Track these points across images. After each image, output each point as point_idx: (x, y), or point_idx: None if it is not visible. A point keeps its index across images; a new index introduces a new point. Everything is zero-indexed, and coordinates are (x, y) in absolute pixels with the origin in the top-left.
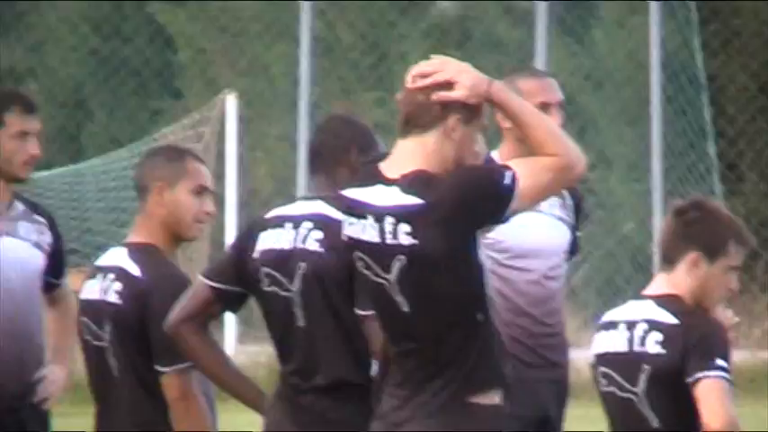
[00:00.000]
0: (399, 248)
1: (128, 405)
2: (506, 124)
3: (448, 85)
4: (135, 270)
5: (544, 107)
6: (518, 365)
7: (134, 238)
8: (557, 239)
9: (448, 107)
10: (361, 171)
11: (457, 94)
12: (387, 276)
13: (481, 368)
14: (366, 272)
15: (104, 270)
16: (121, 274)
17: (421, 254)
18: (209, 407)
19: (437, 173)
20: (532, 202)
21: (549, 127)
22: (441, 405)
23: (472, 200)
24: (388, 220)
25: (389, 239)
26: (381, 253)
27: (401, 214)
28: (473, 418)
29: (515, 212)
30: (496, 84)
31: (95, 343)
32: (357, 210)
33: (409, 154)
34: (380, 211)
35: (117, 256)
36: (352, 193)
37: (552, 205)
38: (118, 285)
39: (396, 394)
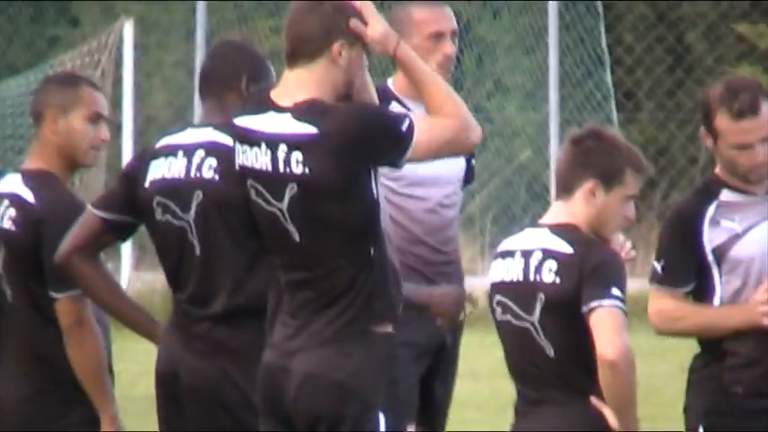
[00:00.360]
0: (291, 177)
1: (22, 332)
2: None
3: (362, 20)
4: (29, 196)
5: (438, 36)
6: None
7: (29, 164)
8: (451, 167)
9: (331, 34)
10: (251, 99)
11: (369, 32)
12: (279, 205)
13: (375, 300)
14: (258, 200)
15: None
16: (16, 200)
17: (312, 183)
18: (102, 335)
19: (330, 101)
20: (423, 158)
21: (448, 91)
22: (334, 333)
23: (369, 137)
24: (281, 148)
25: (282, 167)
26: (273, 181)
27: (294, 142)
28: (366, 345)
29: (408, 161)
30: (403, 44)
31: None
32: (249, 137)
33: (299, 83)
34: (273, 138)
35: (12, 183)
36: (244, 121)
37: None
38: (12, 212)
39: (288, 323)
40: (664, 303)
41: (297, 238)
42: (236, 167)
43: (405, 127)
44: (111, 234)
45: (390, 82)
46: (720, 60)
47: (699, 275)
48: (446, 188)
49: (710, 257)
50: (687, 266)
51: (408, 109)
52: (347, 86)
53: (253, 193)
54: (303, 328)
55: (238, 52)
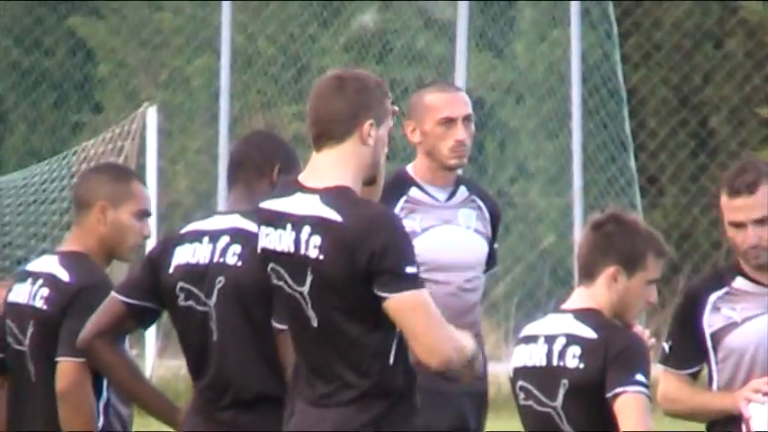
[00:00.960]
0: (308, 260)
1: (44, 409)
2: (415, 139)
3: None
4: (64, 276)
5: (449, 122)
6: (436, 379)
7: (67, 247)
8: (473, 252)
9: (359, 114)
10: (279, 186)
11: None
12: (300, 289)
13: (396, 403)
14: (280, 283)
15: (34, 275)
16: (50, 279)
17: (324, 271)
18: (123, 427)
19: (358, 184)
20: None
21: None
22: (356, 423)
23: (386, 245)
24: (305, 229)
25: (303, 249)
26: (294, 263)
27: (317, 225)
28: None
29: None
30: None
31: (16, 347)
32: (275, 220)
33: (329, 165)
34: (299, 219)
35: (47, 264)
36: (271, 204)
37: (468, 217)
38: (45, 291)
39: (305, 410)
40: (667, 385)
41: (314, 323)
42: (259, 251)
43: (412, 270)
44: (134, 319)
45: (410, 167)
46: (744, 144)
47: (703, 359)
48: (467, 272)
49: (709, 343)
50: (691, 349)
51: (428, 194)
52: (374, 167)
53: (274, 277)
54: (321, 417)
55: (271, 141)
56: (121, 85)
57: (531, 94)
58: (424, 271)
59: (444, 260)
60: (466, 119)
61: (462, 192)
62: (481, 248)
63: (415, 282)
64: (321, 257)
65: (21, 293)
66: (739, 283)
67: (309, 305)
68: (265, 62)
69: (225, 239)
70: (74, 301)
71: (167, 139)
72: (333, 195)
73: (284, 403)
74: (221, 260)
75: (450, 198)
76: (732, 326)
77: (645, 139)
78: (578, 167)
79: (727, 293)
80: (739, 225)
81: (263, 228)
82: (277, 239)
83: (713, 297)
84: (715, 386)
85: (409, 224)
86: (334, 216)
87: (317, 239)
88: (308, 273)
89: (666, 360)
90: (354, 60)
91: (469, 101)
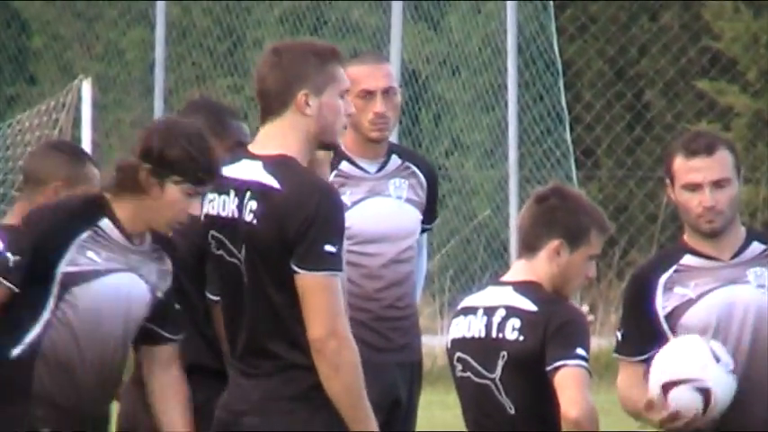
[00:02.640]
0: (244, 225)
1: None
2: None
3: None
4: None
5: (368, 94)
6: (366, 350)
7: (11, 220)
8: (404, 222)
9: (293, 85)
10: (231, 154)
11: None
12: (239, 255)
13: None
14: (219, 252)
15: None
16: None
17: (255, 237)
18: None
19: (304, 154)
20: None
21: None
22: (282, 396)
23: (316, 220)
24: (247, 195)
25: (242, 214)
26: (235, 228)
27: (257, 191)
28: (314, 409)
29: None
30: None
31: None
32: (220, 185)
33: (270, 136)
34: (242, 184)
35: None
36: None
37: (399, 187)
38: None
39: (238, 382)
40: (621, 380)
41: (247, 291)
42: (202, 218)
43: (331, 249)
44: None
45: (341, 140)
46: (679, 117)
47: (657, 344)
48: (400, 243)
49: (664, 325)
50: (642, 335)
51: (358, 166)
52: (324, 134)
53: (214, 246)
54: (253, 387)
55: (187, 112)
56: (56, 58)
57: (467, 66)
58: (356, 243)
59: (375, 232)
60: (386, 91)
61: (395, 160)
62: (413, 218)
63: (329, 262)
64: (255, 223)
65: None
66: (688, 259)
67: (244, 272)
68: (200, 34)
69: None
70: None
71: (102, 112)
72: (275, 163)
73: (219, 374)
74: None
75: (381, 169)
76: (688, 303)
77: (580, 111)
78: (513, 140)
79: (676, 272)
80: (695, 187)
81: (208, 195)
82: (221, 205)
83: (663, 278)
84: None
85: None
86: (272, 183)
87: (253, 204)
88: (243, 238)
89: (620, 349)
90: (289, 32)
91: (393, 72)
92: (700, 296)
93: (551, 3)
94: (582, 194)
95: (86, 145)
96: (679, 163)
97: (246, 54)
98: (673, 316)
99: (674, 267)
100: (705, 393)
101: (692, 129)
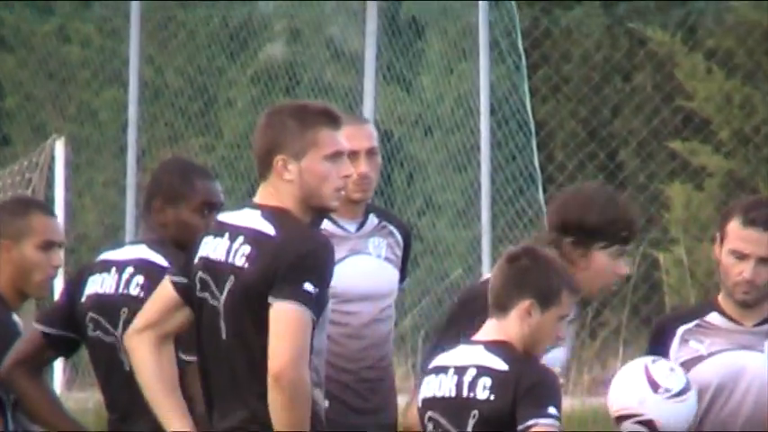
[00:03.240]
0: (233, 269)
1: None
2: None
3: None
4: None
5: (352, 155)
6: (347, 412)
7: None
8: (385, 281)
9: (272, 151)
10: (200, 214)
11: None
12: (220, 297)
13: None
14: (203, 294)
15: None
16: None
17: (244, 279)
18: None
19: (294, 208)
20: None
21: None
22: None
23: (299, 266)
24: (239, 240)
25: (231, 258)
26: (221, 271)
27: (251, 236)
28: None
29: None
30: None
31: None
32: (217, 229)
33: (265, 196)
34: (236, 229)
35: None
36: (221, 216)
37: (378, 246)
38: None
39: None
40: None
41: (224, 336)
42: (196, 261)
43: (310, 288)
44: (53, 349)
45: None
46: (652, 177)
47: None
48: (381, 302)
49: None
50: None
51: (339, 225)
52: (311, 199)
53: (199, 288)
54: None
55: (158, 172)
56: (29, 118)
57: (440, 126)
58: (339, 302)
59: (358, 291)
60: (369, 152)
61: (372, 220)
62: (392, 277)
63: (305, 298)
64: (246, 266)
65: None
66: (713, 317)
67: (222, 317)
68: (173, 94)
69: (129, 270)
70: None
71: (75, 172)
72: (273, 213)
73: None
74: (125, 291)
75: (360, 228)
76: (698, 359)
77: (553, 171)
78: (486, 200)
79: (697, 326)
80: (742, 256)
81: (205, 238)
82: (213, 248)
83: (682, 329)
84: None
85: None
86: (268, 230)
87: (246, 249)
88: (228, 281)
89: None
90: (261, 93)
91: (375, 133)
92: (710, 354)
93: (524, 64)
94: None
95: (60, 205)
96: (733, 227)
97: (218, 114)
98: (683, 368)
99: (697, 321)
100: (649, 425)
101: (664, 189)
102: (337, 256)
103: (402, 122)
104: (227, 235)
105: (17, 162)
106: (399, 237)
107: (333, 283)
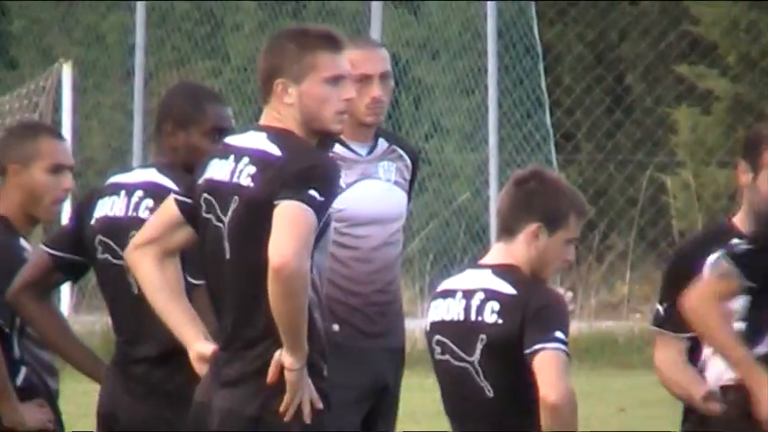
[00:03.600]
0: (237, 188)
1: None
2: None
3: None
4: None
5: (366, 78)
6: (357, 335)
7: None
8: (394, 205)
9: (272, 74)
10: (211, 138)
11: None
12: (224, 218)
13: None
14: (208, 215)
15: None
16: None
17: (249, 197)
18: (50, 375)
19: (298, 131)
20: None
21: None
22: (254, 370)
23: (305, 178)
24: (244, 160)
25: (235, 178)
26: (225, 191)
27: (257, 157)
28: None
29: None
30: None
31: None
32: (223, 152)
33: (269, 119)
34: (242, 150)
35: None
36: (228, 139)
37: (387, 170)
38: None
39: (219, 357)
40: (661, 356)
41: (228, 255)
42: (201, 182)
43: (313, 193)
44: (61, 272)
45: (338, 128)
46: (659, 101)
47: None
48: (390, 226)
49: None
50: None
51: (350, 149)
52: (311, 122)
53: (204, 209)
54: (229, 362)
55: (168, 96)
56: (36, 42)
57: (447, 50)
58: (349, 226)
59: (368, 215)
60: (383, 76)
61: (382, 144)
62: (401, 201)
63: (310, 200)
64: (251, 185)
65: None
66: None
67: (226, 237)
68: (180, 18)
69: (139, 194)
70: None
71: (82, 96)
72: (278, 134)
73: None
74: (135, 214)
75: (370, 152)
76: None
77: (560, 95)
78: (493, 124)
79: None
80: None
81: (211, 161)
82: (218, 169)
83: (713, 254)
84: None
85: None
86: (274, 150)
87: (251, 169)
88: (233, 201)
89: (663, 323)
90: (268, 17)
91: (388, 57)
92: None
93: None
94: (561, 178)
95: (66, 128)
96: None
97: (225, 38)
98: None
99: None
100: None
101: (671, 113)
102: (348, 180)
103: (409, 46)
104: (231, 157)
105: (24, 86)
106: (408, 160)
107: (343, 206)
